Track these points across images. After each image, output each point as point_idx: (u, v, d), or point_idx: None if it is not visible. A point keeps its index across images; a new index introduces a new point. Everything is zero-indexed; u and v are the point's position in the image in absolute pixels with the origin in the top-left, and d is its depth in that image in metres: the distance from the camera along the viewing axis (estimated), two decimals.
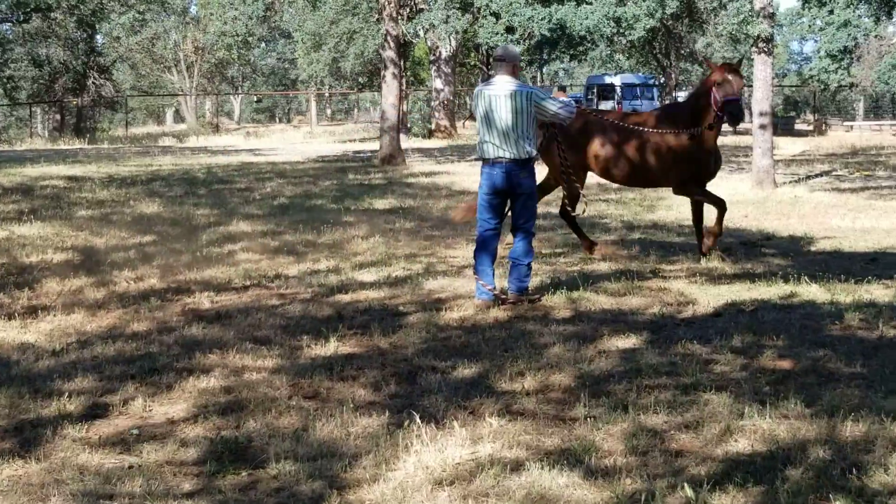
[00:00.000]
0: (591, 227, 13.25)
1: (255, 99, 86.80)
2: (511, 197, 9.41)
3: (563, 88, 63.48)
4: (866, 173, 24.68)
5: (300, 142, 45.62)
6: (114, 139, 46.11)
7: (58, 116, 54.27)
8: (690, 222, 12.73)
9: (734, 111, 11.05)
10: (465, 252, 12.30)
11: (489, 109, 9.29)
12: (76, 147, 36.82)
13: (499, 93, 9.28)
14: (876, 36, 44.30)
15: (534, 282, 10.02)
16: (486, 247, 9.53)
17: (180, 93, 70.17)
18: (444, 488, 5.05)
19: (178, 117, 77.58)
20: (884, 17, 40.36)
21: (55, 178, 21.68)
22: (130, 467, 5.37)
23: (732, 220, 15.99)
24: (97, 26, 52.78)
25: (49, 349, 7.73)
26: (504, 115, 9.22)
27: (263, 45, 77.85)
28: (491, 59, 10.84)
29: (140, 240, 13.20)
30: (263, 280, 10.57)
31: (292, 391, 6.67)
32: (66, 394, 6.53)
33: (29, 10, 45.67)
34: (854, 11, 38.27)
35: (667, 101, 50.22)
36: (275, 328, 8.39)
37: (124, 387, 6.74)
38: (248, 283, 10.44)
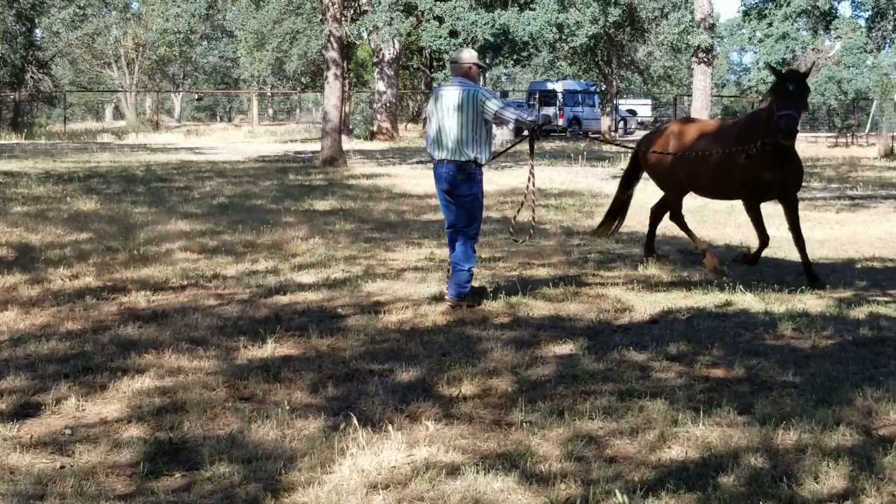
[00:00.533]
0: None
1: (196, 97, 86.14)
2: (453, 199, 9.42)
3: (504, 94, 63.71)
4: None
5: (241, 141, 45.38)
6: (51, 135, 45.64)
7: None
8: (629, 230, 12.82)
9: (784, 126, 10.21)
10: (405, 255, 12.30)
11: (439, 110, 9.35)
12: (13, 142, 36.36)
13: (448, 94, 9.33)
14: (813, 49, 44.94)
15: (472, 286, 10.05)
16: (451, 245, 9.64)
17: (120, 89, 69.50)
18: (379, 492, 5.04)
19: (118, 114, 76.77)
20: (821, 31, 41.00)
21: None
22: (62, 468, 5.30)
23: (669, 227, 16.12)
24: (37, 20, 52.17)
25: None
26: (450, 115, 9.25)
27: (205, 42, 77.26)
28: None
29: (76, 237, 13.04)
30: (201, 280, 10.49)
31: (228, 393, 6.62)
32: None
33: None
34: (793, 24, 38.80)
35: (607, 108, 50.61)
36: (212, 329, 8.32)
37: (57, 386, 6.65)
38: (185, 282, 10.35)
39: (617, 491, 4.95)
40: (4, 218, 14.56)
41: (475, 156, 9.28)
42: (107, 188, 19.16)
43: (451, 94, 9.30)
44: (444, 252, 12.46)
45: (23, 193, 17.86)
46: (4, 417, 6.00)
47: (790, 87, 10.39)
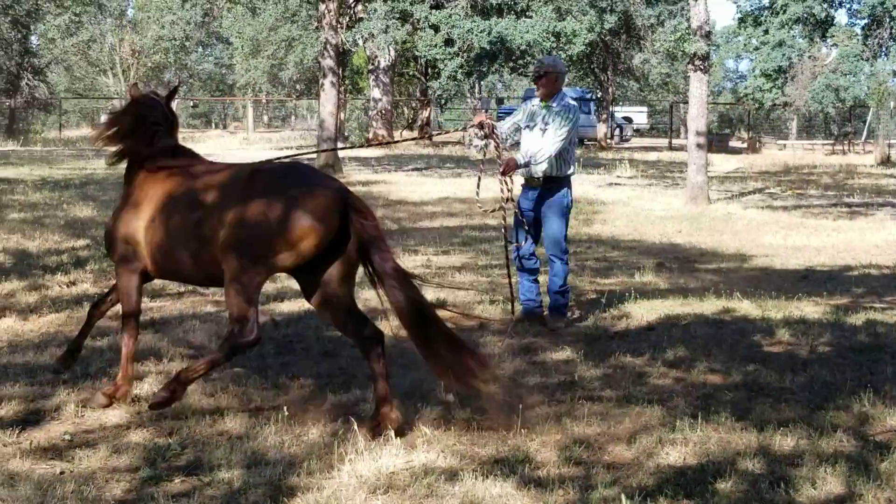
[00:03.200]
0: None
1: (192, 104, 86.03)
2: None
3: (500, 101, 63.69)
4: (798, 192, 25.07)
5: (236, 148, 45.24)
6: (47, 141, 45.46)
7: None
8: (630, 237, 12.84)
9: None
10: (401, 262, 12.29)
11: None
12: (8, 149, 36.26)
13: None
14: (809, 56, 44.98)
15: (469, 294, 10.10)
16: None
17: (116, 96, 69.39)
18: (378, 497, 5.07)
19: None
20: (817, 38, 41.04)
21: None
22: (62, 473, 5.32)
23: (666, 234, 16.18)
24: (32, 27, 52.12)
25: None
26: None
27: (201, 49, 77.27)
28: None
29: (73, 244, 13.05)
30: (199, 287, 10.49)
31: (228, 398, 6.65)
32: None
33: None
34: (789, 32, 38.85)
35: (603, 115, 50.65)
36: (210, 335, 8.34)
37: (56, 392, 6.67)
38: (183, 289, 10.35)
39: (622, 497, 4.98)
40: (1, 225, 14.56)
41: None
42: (103, 195, 19.13)
43: None
44: (440, 259, 12.53)
45: (19, 200, 17.84)
46: (4, 424, 6.02)
47: None
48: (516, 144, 9.33)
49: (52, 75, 62.75)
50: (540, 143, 8.90)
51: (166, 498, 5.03)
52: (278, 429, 5.97)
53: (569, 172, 9.15)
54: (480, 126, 8.82)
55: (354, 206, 6.10)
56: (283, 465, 5.42)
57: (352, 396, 6.72)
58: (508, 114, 9.67)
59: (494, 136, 8.93)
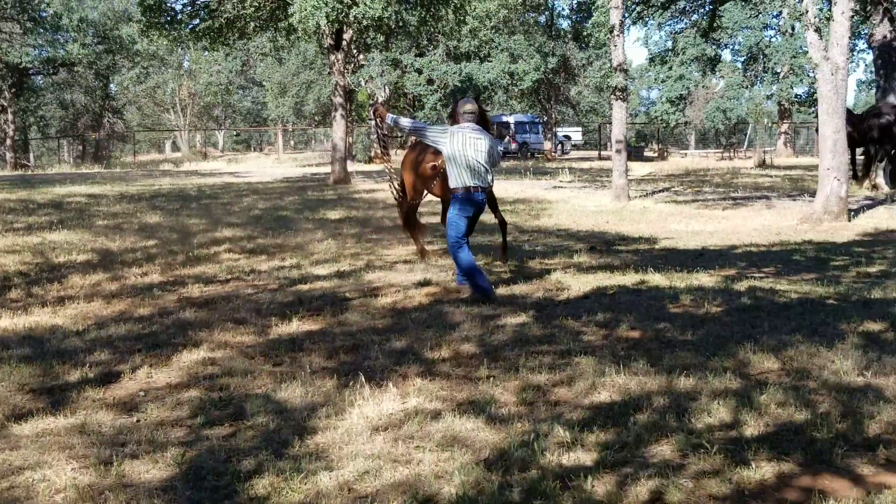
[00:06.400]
0: (491, 233, 13.26)
1: (235, 133, 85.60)
2: (473, 217, 8.87)
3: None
4: (696, 189, 25.09)
5: (270, 166, 45.07)
6: (124, 165, 45.21)
7: (80, 147, 53.28)
8: (566, 227, 12.80)
9: None
10: (397, 251, 12.27)
11: (467, 147, 8.67)
12: (95, 171, 36.00)
13: (474, 135, 8.73)
14: (703, 86, 45.08)
15: (443, 273, 10.09)
16: (466, 250, 8.83)
17: (176, 128, 69.08)
18: (380, 433, 5.05)
19: (175, 147, 76.19)
20: (709, 72, 41.12)
21: (78, 195, 21.20)
22: (138, 421, 5.29)
23: (597, 224, 16.17)
24: (111, 77, 51.89)
25: (73, 330, 7.57)
26: (480, 150, 8.71)
27: (241, 91, 76.87)
28: (463, 110, 9.80)
29: (145, 244, 12.97)
30: (241, 274, 10.45)
31: (264, 360, 6.61)
32: (87, 364, 6.41)
33: (57, 65, 45.28)
34: (687, 68, 38.91)
35: (549, 135, 50.53)
36: (250, 311, 8.29)
37: (132, 359, 6.63)
38: (229, 276, 10.31)
39: (556, 426, 4.97)
40: (90, 230, 14.45)
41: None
42: (168, 205, 19.02)
43: (476, 135, 8.70)
44: (432, 249, 12.45)
45: (103, 210, 17.72)
46: (92, 384, 5.97)
47: None
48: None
49: (127, 114, 62.44)
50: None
51: (218, 439, 5.00)
52: (303, 383, 5.94)
53: (452, 185, 8.73)
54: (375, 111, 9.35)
55: None
56: (306, 411, 5.39)
57: (359, 356, 6.69)
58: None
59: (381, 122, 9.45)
